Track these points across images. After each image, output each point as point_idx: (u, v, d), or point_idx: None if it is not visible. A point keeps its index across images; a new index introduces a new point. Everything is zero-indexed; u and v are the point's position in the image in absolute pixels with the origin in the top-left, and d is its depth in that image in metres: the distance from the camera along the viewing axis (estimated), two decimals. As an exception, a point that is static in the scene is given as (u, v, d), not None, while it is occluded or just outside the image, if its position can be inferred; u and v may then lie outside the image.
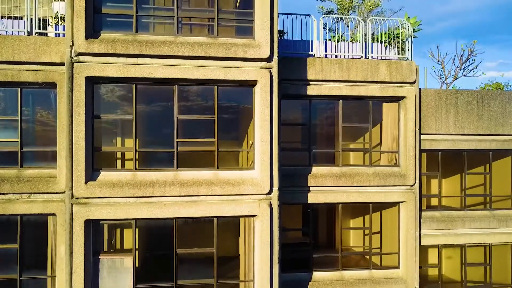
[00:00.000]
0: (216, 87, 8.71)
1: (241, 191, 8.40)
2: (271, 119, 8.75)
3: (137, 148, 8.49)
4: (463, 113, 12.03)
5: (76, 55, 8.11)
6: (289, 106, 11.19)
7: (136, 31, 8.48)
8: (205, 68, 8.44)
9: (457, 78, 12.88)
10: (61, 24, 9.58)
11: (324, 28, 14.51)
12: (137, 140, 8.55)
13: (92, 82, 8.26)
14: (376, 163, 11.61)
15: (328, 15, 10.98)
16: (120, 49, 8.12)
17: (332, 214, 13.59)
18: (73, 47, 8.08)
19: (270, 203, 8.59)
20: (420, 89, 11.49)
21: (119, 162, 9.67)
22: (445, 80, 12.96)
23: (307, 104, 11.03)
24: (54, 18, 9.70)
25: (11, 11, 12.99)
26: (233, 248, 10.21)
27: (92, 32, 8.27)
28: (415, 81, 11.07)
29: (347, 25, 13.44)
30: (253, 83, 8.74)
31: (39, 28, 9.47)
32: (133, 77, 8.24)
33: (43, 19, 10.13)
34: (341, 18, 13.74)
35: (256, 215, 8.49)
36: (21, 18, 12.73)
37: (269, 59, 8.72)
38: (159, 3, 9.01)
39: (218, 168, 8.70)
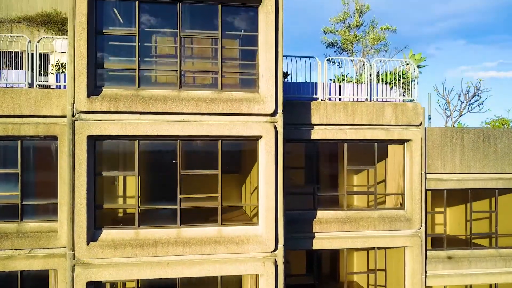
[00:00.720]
0: (220, 141, 8.56)
1: (246, 249, 8.25)
2: (276, 176, 8.61)
3: (139, 205, 8.34)
4: (469, 151, 11.89)
5: (77, 113, 7.96)
6: (293, 148, 11.08)
7: (139, 86, 8.34)
8: (209, 124, 8.30)
9: (462, 115, 12.74)
10: (62, 72, 9.44)
11: (328, 60, 14.37)
12: (140, 196, 8.40)
13: (94, 140, 8.11)
14: (380, 199, 11.49)
15: (332, 57, 10.82)
16: (122, 107, 7.98)
17: (336, 256, 13.44)
18: (74, 104, 7.93)
19: (275, 261, 8.44)
20: (425, 127, 11.35)
21: (121, 212, 9.53)
22: (450, 115, 12.81)
23: (312, 147, 10.90)
24: (55, 65, 9.55)
25: (11, 45, 12.87)
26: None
27: (94, 87, 8.12)
28: (420, 124, 10.92)
29: (352, 61, 13.29)
30: (258, 137, 8.59)
31: (40, 74, 9.29)
32: (135, 135, 8.09)
33: (44, 59, 10.00)
34: (345, 60, 13.62)
35: (261, 274, 8.34)
36: (21, 53, 12.62)
37: (273, 114, 8.58)
38: (161, 51, 8.85)
39: (222, 224, 8.55)
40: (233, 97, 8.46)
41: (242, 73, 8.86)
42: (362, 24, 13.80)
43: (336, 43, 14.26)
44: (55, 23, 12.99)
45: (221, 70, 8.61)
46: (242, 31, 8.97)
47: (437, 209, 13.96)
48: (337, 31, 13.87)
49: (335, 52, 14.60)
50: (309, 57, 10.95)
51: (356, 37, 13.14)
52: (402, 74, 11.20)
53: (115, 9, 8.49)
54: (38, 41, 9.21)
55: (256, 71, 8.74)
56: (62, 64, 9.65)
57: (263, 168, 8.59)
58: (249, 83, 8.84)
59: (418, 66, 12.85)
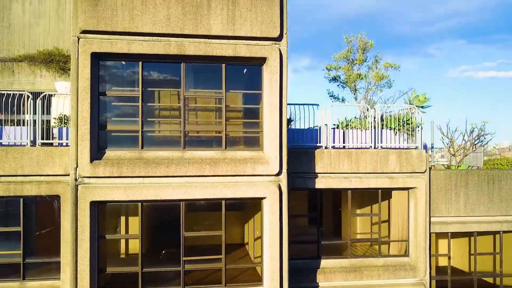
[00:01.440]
0: (224, 201, 8.49)
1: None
2: (280, 234, 8.55)
3: (142, 267, 8.26)
4: (473, 194, 11.81)
5: (80, 178, 7.89)
6: (297, 193, 11.01)
7: (142, 147, 8.26)
8: (213, 186, 8.23)
9: (467, 155, 12.65)
10: (64, 126, 9.36)
11: (331, 96, 14.31)
12: (143, 255, 8.33)
13: (97, 203, 8.04)
14: (384, 232, 11.42)
15: (336, 104, 10.76)
16: (126, 171, 7.91)
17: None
18: (77, 169, 7.85)
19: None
20: (430, 169, 11.28)
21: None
22: (454, 154, 12.73)
23: (315, 194, 10.82)
24: (58, 119, 9.47)
25: (12, 84, 12.81)
26: None
27: (96, 150, 8.05)
28: (425, 171, 10.84)
29: (355, 98, 13.21)
30: (262, 198, 8.52)
31: (42, 124, 9.21)
32: (139, 200, 8.02)
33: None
34: (348, 103, 13.57)
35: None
36: (21, 92, 12.54)
37: (278, 174, 8.50)
38: (165, 110, 8.78)
39: (225, 285, 8.48)
40: (238, 157, 8.38)
41: (246, 132, 8.78)
42: (365, 60, 13.72)
43: (339, 77, 14.18)
44: (56, 62, 12.91)
45: (225, 129, 8.54)
46: (247, 89, 8.90)
47: (441, 247, 13.91)
48: (340, 67, 13.79)
49: (338, 86, 14.53)
50: (313, 104, 10.88)
51: (359, 76, 13.06)
52: (407, 120, 11.11)
53: (118, 70, 8.41)
54: (41, 98, 9.11)
55: (260, 129, 8.66)
56: (64, 116, 9.57)
57: (267, 227, 8.52)
58: (253, 140, 8.77)
59: (422, 107, 12.78)
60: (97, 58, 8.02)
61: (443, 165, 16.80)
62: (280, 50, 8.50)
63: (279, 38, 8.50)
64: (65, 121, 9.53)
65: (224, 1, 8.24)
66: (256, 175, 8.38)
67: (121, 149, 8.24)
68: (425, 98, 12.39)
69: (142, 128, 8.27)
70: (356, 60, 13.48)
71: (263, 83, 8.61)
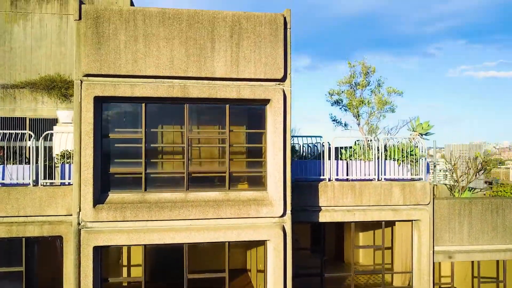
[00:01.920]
0: (227, 243, 8.44)
1: None
2: (284, 274, 8.49)
3: (146, 310, 8.22)
4: (477, 223, 11.75)
5: (83, 222, 7.84)
6: (300, 226, 10.95)
7: (145, 189, 8.22)
8: (217, 229, 8.18)
9: (470, 182, 12.59)
10: (67, 163, 9.30)
11: (333, 120, 14.25)
12: (146, 300, 8.28)
13: (100, 248, 7.99)
14: (387, 265, 11.37)
15: (339, 137, 10.72)
16: (129, 216, 7.86)
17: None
18: (80, 213, 7.81)
19: None
20: (434, 197, 11.22)
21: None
22: (457, 180, 12.68)
23: (319, 226, 10.77)
24: (60, 156, 9.42)
25: (14, 111, 12.77)
26: None
27: (99, 193, 8.00)
28: (429, 203, 10.79)
29: (358, 124, 13.16)
30: (266, 240, 8.48)
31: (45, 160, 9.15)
32: (142, 244, 7.97)
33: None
34: (351, 124, 13.51)
35: None
36: (22, 118, 12.50)
37: (282, 215, 8.45)
38: (168, 151, 8.73)
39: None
40: (241, 198, 8.33)
41: (250, 172, 8.73)
42: (368, 84, 13.65)
43: (342, 101, 14.12)
44: (58, 89, 12.85)
45: (229, 169, 8.49)
46: (250, 126, 8.85)
47: (443, 269, 13.83)
48: (342, 91, 13.72)
49: (340, 108, 14.46)
50: (316, 136, 10.84)
51: (362, 102, 12.99)
52: (410, 151, 11.06)
53: (121, 110, 8.37)
54: (44, 136, 9.06)
55: (264, 169, 8.61)
56: (66, 151, 9.51)
57: (271, 268, 8.47)
58: (257, 177, 8.73)
59: (425, 134, 12.71)
60: (100, 101, 7.97)
61: (445, 184, 16.73)
62: (284, 90, 8.44)
63: (283, 79, 8.44)
64: (68, 156, 9.47)
65: (228, 42, 8.18)
66: (260, 217, 8.32)
67: (124, 191, 8.19)
68: (428, 125, 12.33)
69: (145, 170, 8.23)
70: (359, 84, 13.42)
71: (267, 123, 8.56)
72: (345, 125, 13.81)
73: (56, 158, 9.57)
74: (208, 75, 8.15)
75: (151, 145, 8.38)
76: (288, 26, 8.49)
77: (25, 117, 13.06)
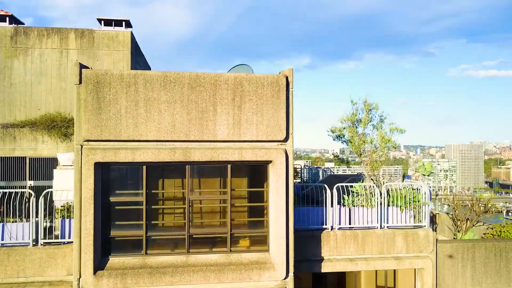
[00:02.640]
0: (229, 305, 8.36)
1: None
2: (286, 337, 8.42)
3: None
4: (480, 267, 11.67)
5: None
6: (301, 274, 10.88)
7: (146, 253, 8.14)
8: (218, 293, 8.11)
9: (473, 225, 12.52)
10: (67, 217, 9.23)
11: (335, 157, 14.16)
12: None
13: (100, 314, 7.92)
14: None
15: (340, 185, 10.64)
16: (130, 283, 7.78)
17: None
18: (80, 280, 7.73)
19: None
20: (436, 240, 11.14)
21: None
22: (460, 219, 12.61)
23: (321, 276, 10.69)
24: (60, 210, 9.33)
25: (14, 151, 12.69)
26: None
27: (100, 259, 7.92)
28: (432, 251, 10.70)
29: (361, 162, 13.06)
30: (268, 302, 8.40)
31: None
32: (143, 310, 7.90)
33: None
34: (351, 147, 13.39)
35: None
36: (23, 157, 12.42)
37: (285, 278, 8.37)
38: (169, 213, 8.65)
39: None
40: (243, 261, 8.25)
41: (252, 232, 8.65)
42: (370, 120, 13.57)
43: (343, 135, 14.04)
44: (58, 128, 12.77)
45: (230, 231, 8.41)
46: (253, 180, 8.77)
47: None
48: (344, 128, 13.65)
49: (342, 142, 14.40)
50: (319, 184, 10.74)
51: (364, 142, 12.90)
52: (413, 197, 10.98)
53: (122, 173, 8.29)
54: (44, 195, 8.98)
55: (266, 229, 8.54)
56: (67, 204, 9.43)
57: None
58: (259, 239, 8.65)
59: (428, 175, 12.63)
60: (100, 166, 7.89)
61: (447, 214, 16.66)
62: (285, 151, 8.36)
63: (285, 140, 8.36)
64: (68, 209, 9.39)
65: (230, 105, 8.10)
66: (262, 281, 8.25)
67: (125, 255, 8.11)
68: (431, 166, 12.28)
69: (146, 233, 8.15)
70: (361, 121, 13.33)
71: (269, 182, 8.47)
72: (348, 162, 13.77)
73: (56, 212, 9.50)
74: (210, 138, 8.07)
75: (152, 206, 8.30)
76: (290, 86, 8.40)
77: (25, 157, 12.99)
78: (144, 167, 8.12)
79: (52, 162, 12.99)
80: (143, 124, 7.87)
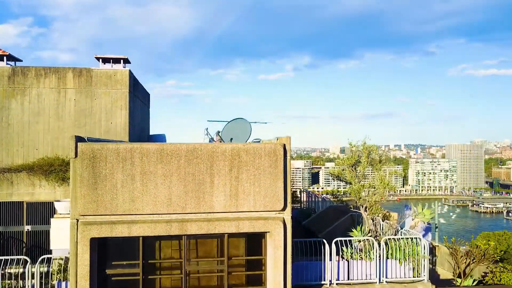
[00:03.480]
0: None
1: None
2: None
3: None
4: (479, 316, 11.61)
5: None
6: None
7: (143, 324, 8.08)
8: None
9: (472, 269, 12.45)
10: (63, 280, 9.17)
11: (337, 178, 14.13)
12: None
13: None
14: None
15: (339, 239, 10.59)
16: None
17: None
18: None
19: None
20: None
21: None
22: (457, 263, 12.57)
23: (319, 331, 10.64)
24: (56, 272, 9.28)
25: (11, 196, 12.64)
26: None
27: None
28: (431, 305, 10.65)
29: (361, 205, 13.00)
30: None
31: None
32: None
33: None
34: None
35: None
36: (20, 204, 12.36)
37: None
38: (164, 250, 8.56)
39: None
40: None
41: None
42: (370, 162, 13.50)
43: (342, 174, 13.99)
44: (56, 172, 12.71)
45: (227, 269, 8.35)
46: (250, 242, 8.71)
47: None
48: (344, 169, 13.59)
49: (341, 181, 14.35)
50: (317, 239, 10.69)
51: (363, 186, 12.84)
52: (412, 251, 10.91)
53: (118, 243, 8.22)
54: (39, 262, 8.92)
55: (264, 270, 8.48)
56: (64, 265, 9.38)
57: None
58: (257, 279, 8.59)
59: (428, 223, 12.56)
60: (96, 241, 7.82)
61: (447, 248, 16.57)
62: (284, 220, 8.30)
63: (283, 209, 8.29)
64: (65, 269, 9.33)
65: (227, 176, 8.03)
66: None
67: (122, 326, 8.05)
68: (430, 213, 12.22)
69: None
70: (360, 162, 13.28)
71: (267, 251, 8.41)
72: (346, 182, 13.74)
73: (52, 273, 9.44)
74: (207, 210, 8.01)
75: (149, 276, 8.24)
76: (288, 155, 8.33)
77: (23, 202, 12.93)
78: (141, 239, 8.05)
79: (49, 207, 12.94)
80: (139, 198, 7.80)
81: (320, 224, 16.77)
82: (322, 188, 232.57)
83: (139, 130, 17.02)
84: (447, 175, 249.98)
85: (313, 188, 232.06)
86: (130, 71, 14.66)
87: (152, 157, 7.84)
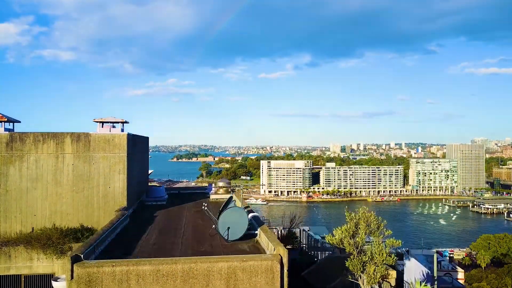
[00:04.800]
0: None
1: None
2: None
3: None
4: None
5: None
6: None
7: None
8: None
9: None
10: None
11: (336, 247, 14.09)
12: None
13: None
14: None
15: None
16: None
17: None
18: None
19: None
20: None
21: None
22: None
23: None
24: None
25: (9, 269, 12.66)
26: None
27: None
28: None
29: (360, 276, 13.01)
30: None
31: None
32: None
33: None
34: None
35: None
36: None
37: None
38: None
39: None
40: None
41: None
42: (370, 232, 13.51)
43: (342, 243, 13.99)
44: (54, 246, 12.71)
45: None
46: None
47: None
48: (342, 239, 13.58)
49: (341, 251, 14.36)
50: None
51: (363, 265, 12.82)
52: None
53: None
54: None
55: None
56: None
57: None
58: None
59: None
60: None
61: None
62: (280, 333, 8.29)
63: (279, 324, 8.28)
64: None
65: (223, 295, 8.02)
66: None
67: None
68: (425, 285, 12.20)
69: None
70: (359, 237, 13.30)
71: None
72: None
73: None
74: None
75: None
76: (285, 268, 8.32)
77: (20, 275, 12.93)
78: None
79: (47, 280, 12.94)
80: (135, 320, 7.80)
81: (320, 278, 16.77)
82: (323, 188, 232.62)
83: (138, 188, 16.98)
84: (448, 175, 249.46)
85: (313, 188, 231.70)
86: (128, 134, 14.63)
87: (148, 278, 7.84)
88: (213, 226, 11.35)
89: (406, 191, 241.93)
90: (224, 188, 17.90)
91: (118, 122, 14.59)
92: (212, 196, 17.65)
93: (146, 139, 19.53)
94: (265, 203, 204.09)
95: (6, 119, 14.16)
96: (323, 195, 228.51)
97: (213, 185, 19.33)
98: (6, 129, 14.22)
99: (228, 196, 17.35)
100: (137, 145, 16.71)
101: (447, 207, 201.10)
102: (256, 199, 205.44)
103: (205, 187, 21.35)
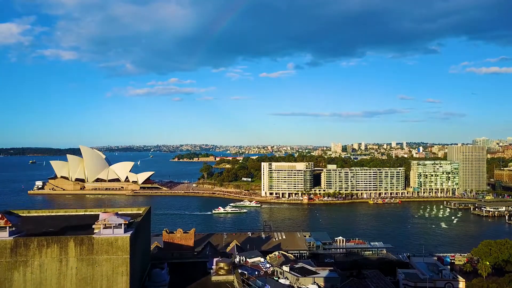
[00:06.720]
0: None
1: None
2: None
3: None
4: None
5: None
6: None
7: None
8: None
9: None
10: None
11: None
12: None
13: None
14: None
15: None
16: None
17: None
18: None
19: None
20: None
21: None
22: None
23: None
24: None
25: None
26: None
27: None
28: None
29: None
30: None
31: None
32: None
33: None
34: None
35: None
36: None
37: None
38: None
39: None
40: None
41: None
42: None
43: None
44: None
45: None
46: None
47: None
48: None
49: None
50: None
51: None
52: None
53: None
54: None
55: None
56: None
57: None
58: None
59: None
60: None
61: None
62: None
63: None
64: None
65: None
66: None
67: None
68: None
69: None
70: None
71: None
72: None
73: None
74: None
75: None
76: None
77: None
78: None
79: None
80: None
81: None
82: (324, 190, 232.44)
83: (140, 273, 17.12)
84: (449, 177, 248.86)
85: (314, 190, 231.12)
86: (130, 235, 14.78)
87: None
88: None
89: (407, 193, 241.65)
90: (226, 269, 18.08)
91: (120, 224, 14.71)
92: (213, 278, 17.81)
93: (148, 214, 19.68)
94: (259, 205, 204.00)
95: (10, 224, 14.32)
96: (324, 197, 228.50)
97: (214, 262, 19.44)
98: (10, 233, 14.38)
99: (230, 278, 17.55)
100: (140, 236, 16.86)
101: (448, 210, 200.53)
102: (250, 201, 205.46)
103: (205, 260, 21.43)
